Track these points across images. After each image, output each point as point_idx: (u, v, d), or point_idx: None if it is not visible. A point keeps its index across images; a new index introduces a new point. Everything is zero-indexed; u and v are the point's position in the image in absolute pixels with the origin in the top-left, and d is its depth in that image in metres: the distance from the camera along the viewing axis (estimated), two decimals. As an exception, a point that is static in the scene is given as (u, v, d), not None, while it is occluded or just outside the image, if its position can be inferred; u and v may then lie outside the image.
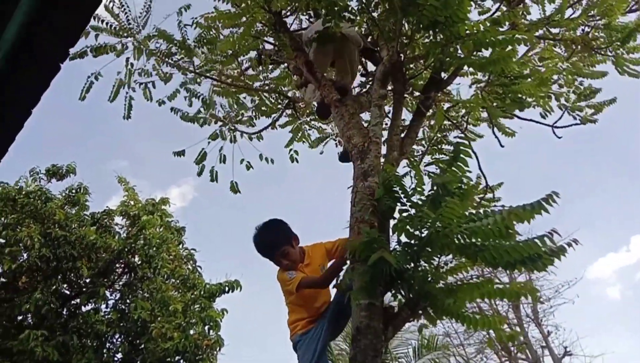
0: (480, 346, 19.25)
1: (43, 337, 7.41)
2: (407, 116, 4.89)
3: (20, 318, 8.39)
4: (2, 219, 8.60)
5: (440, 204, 2.62)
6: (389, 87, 3.96)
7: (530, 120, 5.13)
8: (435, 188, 2.77)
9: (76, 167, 9.51)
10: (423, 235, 2.76)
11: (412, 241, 2.79)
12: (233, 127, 5.52)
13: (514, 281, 18.09)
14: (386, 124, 3.79)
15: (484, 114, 5.16)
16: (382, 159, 3.25)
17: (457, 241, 2.67)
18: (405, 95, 4.09)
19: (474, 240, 2.67)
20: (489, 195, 5.46)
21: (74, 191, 9.29)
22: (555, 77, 4.85)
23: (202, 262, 9.81)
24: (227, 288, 9.06)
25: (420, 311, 2.81)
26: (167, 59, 4.90)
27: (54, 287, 8.41)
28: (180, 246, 9.86)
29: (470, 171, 2.96)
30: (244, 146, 5.85)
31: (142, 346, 8.17)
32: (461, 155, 2.83)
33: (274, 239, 3.21)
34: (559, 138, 5.19)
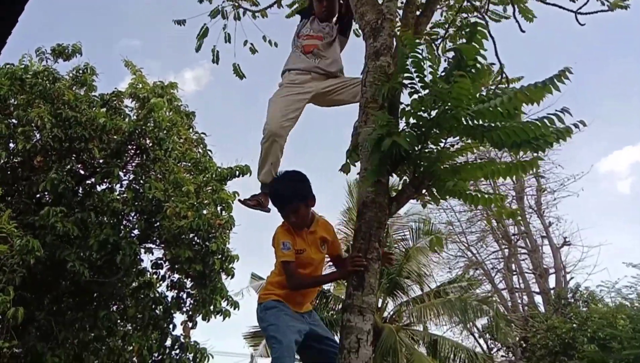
0: (481, 234, 19.99)
1: (62, 213, 7.71)
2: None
3: (38, 196, 8.69)
4: (12, 99, 8.61)
5: (453, 82, 2.59)
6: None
7: (554, 4, 4.89)
8: (451, 59, 2.70)
9: (82, 47, 9.32)
10: (432, 117, 2.77)
11: (420, 123, 2.80)
12: (237, 4, 5.30)
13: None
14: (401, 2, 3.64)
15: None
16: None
17: (464, 123, 2.67)
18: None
19: (481, 122, 2.67)
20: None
21: (80, 71, 9.18)
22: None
23: (213, 146, 9.94)
24: (237, 172, 9.26)
25: (424, 190, 2.90)
26: None
27: (69, 167, 8.61)
28: (190, 130, 9.94)
29: (485, 50, 2.88)
30: (251, 28, 5.67)
31: (158, 223, 8.52)
32: (477, 35, 2.74)
33: (291, 191, 2.99)
34: (582, 25, 4.98)
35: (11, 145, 8.47)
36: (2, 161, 8.45)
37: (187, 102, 9.93)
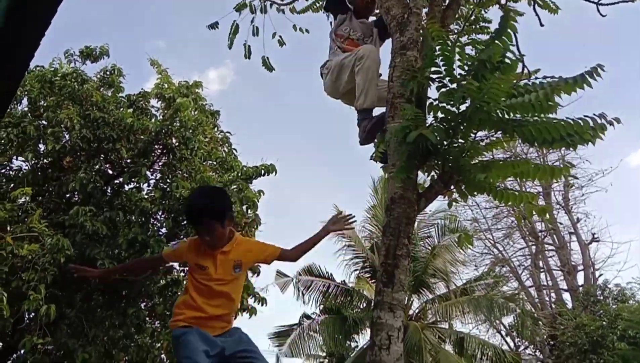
0: (507, 231, 19.71)
1: (91, 212, 7.83)
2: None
3: (67, 195, 8.86)
4: (42, 101, 8.80)
5: (482, 79, 2.55)
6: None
7: (576, -4, 4.82)
8: (477, 63, 2.67)
9: (109, 48, 9.47)
10: (461, 111, 2.73)
11: (450, 117, 2.77)
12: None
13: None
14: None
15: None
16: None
17: (495, 117, 2.63)
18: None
19: (513, 116, 2.63)
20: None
21: (108, 72, 9.33)
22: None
23: (238, 145, 10.01)
24: (263, 171, 9.30)
25: (452, 186, 2.86)
26: None
27: (97, 167, 8.75)
28: (215, 129, 10.02)
29: (514, 45, 2.84)
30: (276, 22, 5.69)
31: (185, 222, 8.60)
32: (507, 28, 2.69)
33: (207, 207, 2.73)
34: (603, 16, 4.92)
35: (41, 146, 8.67)
36: (32, 162, 8.65)
37: (211, 102, 10.02)
